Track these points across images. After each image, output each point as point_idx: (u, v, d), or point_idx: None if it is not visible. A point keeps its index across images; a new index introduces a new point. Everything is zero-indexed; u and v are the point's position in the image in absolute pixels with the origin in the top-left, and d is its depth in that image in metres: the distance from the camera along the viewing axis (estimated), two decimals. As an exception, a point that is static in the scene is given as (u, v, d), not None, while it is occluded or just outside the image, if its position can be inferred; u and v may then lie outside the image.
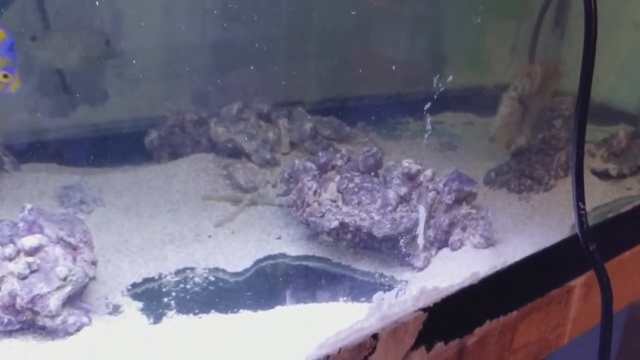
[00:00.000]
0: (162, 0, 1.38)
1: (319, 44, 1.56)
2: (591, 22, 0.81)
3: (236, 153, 1.34)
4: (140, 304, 0.92)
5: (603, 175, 1.43)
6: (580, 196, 0.91)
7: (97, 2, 1.28)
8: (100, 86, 1.37)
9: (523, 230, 1.18)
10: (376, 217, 1.04)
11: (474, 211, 1.12)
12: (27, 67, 1.21)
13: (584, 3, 0.80)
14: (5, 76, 0.99)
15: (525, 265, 1.07)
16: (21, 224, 0.86)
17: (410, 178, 1.09)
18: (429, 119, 1.09)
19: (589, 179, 1.41)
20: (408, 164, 1.10)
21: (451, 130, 1.63)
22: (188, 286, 0.98)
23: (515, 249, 1.11)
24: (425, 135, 1.17)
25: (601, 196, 1.36)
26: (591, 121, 1.64)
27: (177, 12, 1.40)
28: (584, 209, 0.92)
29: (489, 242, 1.11)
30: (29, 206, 0.89)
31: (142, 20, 1.34)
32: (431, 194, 1.07)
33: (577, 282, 1.17)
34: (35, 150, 1.26)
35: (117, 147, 1.32)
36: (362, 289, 1.00)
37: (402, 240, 1.03)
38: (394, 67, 1.39)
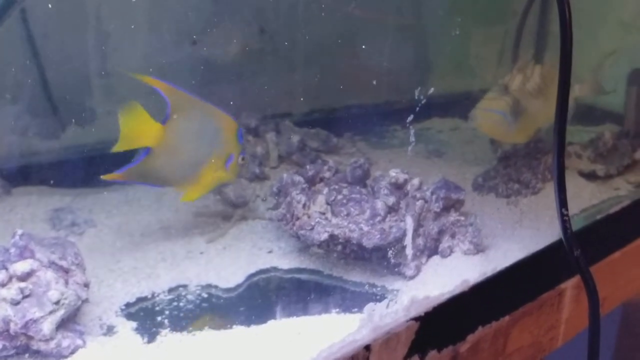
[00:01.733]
0: (146, 18, 1.39)
1: (304, 55, 1.56)
2: (566, 32, 0.82)
3: (226, 168, 1.35)
4: (134, 324, 0.93)
5: (590, 176, 1.44)
6: (563, 202, 0.92)
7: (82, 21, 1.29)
8: (88, 105, 1.38)
9: (512, 235, 1.19)
10: (365, 228, 1.05)
11: (462, 218, 1.13)
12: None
13: (559, 14, 0.81)
14: (242, 159, 1.13)
15: (516, 270, 1.08)
16: (13, 250, 0.87)
17: (398, 187, 1.10)
18: (412, 131, 1.10)
19: (576, 181, 1.42)
20: (395, 173, 1.11)
21: (438, 136, 1.65)
22: (181, 304, 0.99)
23: (505, 253, 1.12)
24: (409, 147, 1.18)
25: (589, 197, 1.37)
26: (578, 122, 1.67)
27: (163, 29, 1.41)
28: (567, 215, 0.93)
29: (478, 248, 1.11)
30: (20, 231, 0.89)
31: (128, 39, 1.35)
32: (419, 203, 1.08)
33: (568, 285, 1.18)
34: (26, 173, 1.27)
35: (106, 167, 1.32)
36: (354, 300, 1.01)
37: (391, 250, 1.04)
38: (380, 76, 1.41)
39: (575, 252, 0.94)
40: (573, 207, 1.30)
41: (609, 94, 1.51)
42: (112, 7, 1.33)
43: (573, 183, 1.41)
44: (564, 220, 0.93)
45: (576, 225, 1.21)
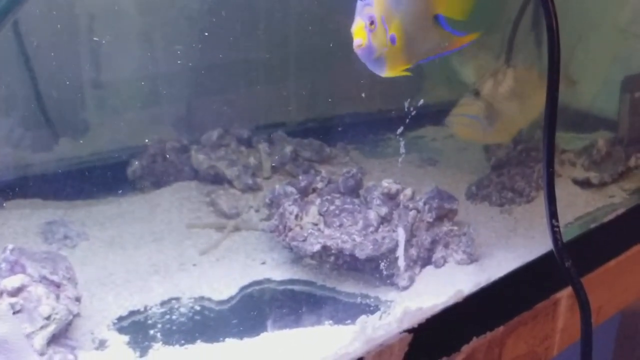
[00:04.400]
0: (139, 28, 1.39)
1: (297, 65, 1.57)
2: (554, 43, 0.82)
3: (218, 179, 1.34)
4: (126, 338, 0.92)
5: (584, 184, 1.44)
6: (553, 214, 0.91)
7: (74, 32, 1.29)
8: (80, 117, 1.38)
9: (506, 244, 1.19)
10: (358, 239, 1.05)
11: (455, 228, 1.13)
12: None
13: (546, 25, 0.81)
14: None
15: (510, 280, 1.08)
16: (3, 265, 0.86)
17: (391, 198, 1.10)
18: (402, 142, 1.10)
19: (570, 189, 1.42)
20: (387, 184, 1.11)
21: (432, 144, 1.64)
22: (174, 317, 0.98)
23: (499, 263, 1.12)
24: (400, 158, 1.18)
25: (584, 205, 1.36)
26: (571, 129, 1.66)
27: (155, 40, 1.41)
28: (557, 226, 0.93)
29: (472, 258, 1.11)
30: (10, 246, 0.89)
31: (120, 50, 1.35)
32: (412, 213, 1.08)
33: (563, 294, 1.18)
34: (19, 186, 1.27)
35: (99, 179, 1.32)
36: (347, 312, 1.00)
37: (384, 261, 1.04)
38: (373, 85, 1.40)
39: (566, 264, 0.94)
40: (567, 215, 1.30)
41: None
42: (105, 18, 1.33)
43: (567, 191, 1.40)
44: (555, 232, 0.93)
45: (570, 233, 1.22)
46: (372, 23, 0.86)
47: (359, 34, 0.86)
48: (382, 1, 0.88)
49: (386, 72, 0.92)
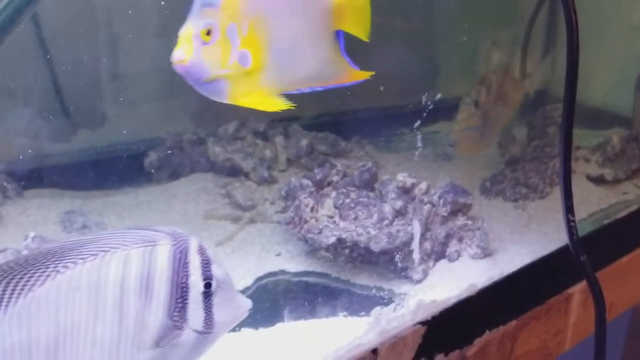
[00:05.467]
0: (156, 21, 1.40)
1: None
2: (573, 39, 0.82)
3: (234, 172, 1.36)
4: (142, 327, 0.94)
5: (599, 180, 1.44)
6: (569, 208, 0.92)
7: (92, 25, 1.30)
8: (98, 109, 1.39)
9: (520, 239, 1.20)
10: (373, 232, 1.06)
11: (470, 222, 1.14)
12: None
13: (565, 20, 0.82)
14: None
15: (523, 274, 1.09)
16: (25, 252, 0.88)
17: (406, 191, 1.11)
18: (419, 136, 1.10)
19: (584, 185, 1.42)
20: (403, 177, 1.11)
21: (447, 139, 1.64)
22: (190, 306, 0.99)
23: (513, 257, 1.13)
24: (416, 152, 1.18)
25: (597, 202, 1.37)
26: (586, 126, 1.66)
27: (173, 31, 1.42)
28: (573, 221, 0.94)
29: (485, 253, 1.12)
30: (32, 234, 0.91)
31: (138, 42, 1.36)
32: (426, 207, 1.08)
33: (576, 289, 1.18)
34: (38, 176, 1.28)
35: (117, 170, 1.33)
36: (361, 303, 1.02)
37: (399, 254, 1.05)
38: (388, 80, 1.41)
39: (581, 258, 0.95)
40: (581, 212, 1.30)
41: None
42: (122, 10, 1.34)
43: (581, 187, 1.41)
44: (570, 226, 0.93)
45: (584, 229, 1.22)
46: (208, 33, 0.65)
47: (184, 44, 0.65)
48: (236, 2, 0.65)
49: (232, 100, 0.69)
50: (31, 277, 0.55)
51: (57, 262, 0.56)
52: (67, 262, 0.56)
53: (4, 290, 0.54)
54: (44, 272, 0.55)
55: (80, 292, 0.56)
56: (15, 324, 0.53)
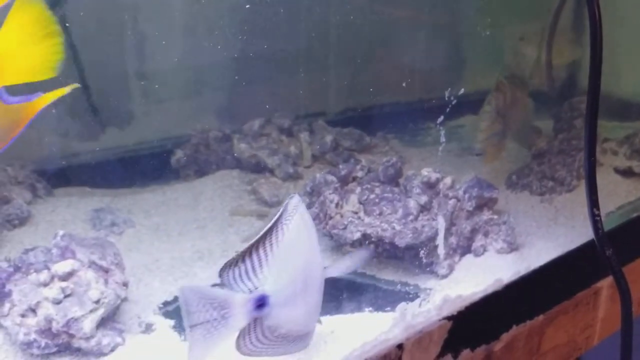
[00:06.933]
0: (182, 19, 1.41)
1: (338, 54, 1.57)
2: (596, 32, 0.81)
3: (260, 168, 1.37)
4: (172, 322, 0.95)
5: (626, 173, 1.43)
6: (594, 202, 0.91)
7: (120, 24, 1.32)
8: (126, 107, 1.41)
9: (547, 233, 1.19)
10: (398, 227, 1.06)
11: (495, 216, 1.13)
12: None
13: (588, 13, 0.81)
14: None
15: (550, 269, 1.08)
16: (54, 250, 0.89)
17: (430, 186, 1.11)
18: (442, 131, 1.10)
19: (612, 178, 1.41)
20: (427, 172, 1.11)
21: (472, 133, 1.64)
22: (217, 302, 1.00)
23: (540, 252, 1.12)
24: (440, 147, 1.18)
25: (625, 194, 1.35)
26: (614, 118, 1.64)
27: (198, 30, 1.43)
28: (599, 215, 0.93)
29: (512, 247, 1.11)
30: (61, 232, 0.92)
31: (164, 40, 1.37)
32: (451, 202, 1.08)
33: (604, 284, 1.17)
34: (67, 175, 1.30)
35: (144, 168, 1.35)
36: (386, 299, 1.02)
37: (424, 249, 1.05)
38: (413, 74, 1.41)
39: (607, 252, 0.94)
40: (609, 204, 1.29)
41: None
42: (149, 9, 1.36)
43: (608, 180, 1.39)
44: (595, 221, 0.93)
45: (611, 223, 1.21)
46: None
47: None
48: None
49: None
50: None
51: None
52: None
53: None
54: None
55: None
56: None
